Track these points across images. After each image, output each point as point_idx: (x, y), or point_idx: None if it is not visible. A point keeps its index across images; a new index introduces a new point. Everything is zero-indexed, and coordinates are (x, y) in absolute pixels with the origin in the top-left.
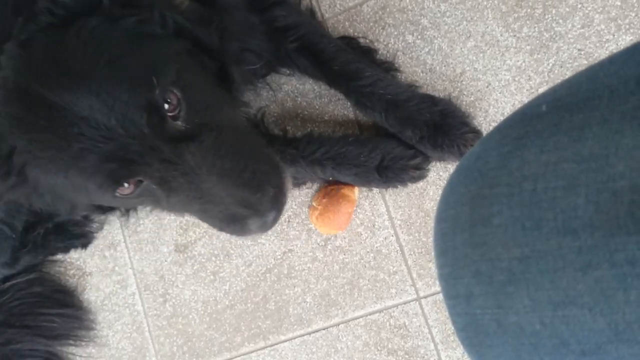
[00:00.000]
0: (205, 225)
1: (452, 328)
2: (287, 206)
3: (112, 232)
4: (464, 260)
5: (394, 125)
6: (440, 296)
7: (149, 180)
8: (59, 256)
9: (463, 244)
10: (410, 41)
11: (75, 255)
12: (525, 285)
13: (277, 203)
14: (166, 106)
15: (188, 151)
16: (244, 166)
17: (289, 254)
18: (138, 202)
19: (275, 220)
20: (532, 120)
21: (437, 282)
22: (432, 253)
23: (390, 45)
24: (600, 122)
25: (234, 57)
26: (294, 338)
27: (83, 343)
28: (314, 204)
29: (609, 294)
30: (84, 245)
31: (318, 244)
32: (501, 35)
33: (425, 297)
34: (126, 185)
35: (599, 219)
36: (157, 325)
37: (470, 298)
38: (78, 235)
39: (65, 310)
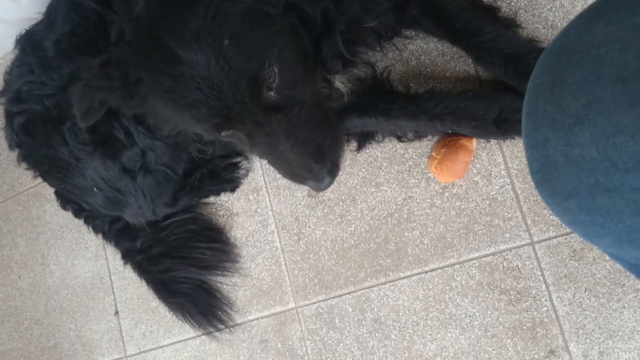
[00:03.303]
0: None
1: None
2: (404, 158)
3: (255, 178)
4: (543, 114)
5: (512, 78)
6: (555, 241)
7: (241, 132)
8: (211, 199)
9: (544, 102)
10: None
11: (224, 198)
12: (587, 124)
13: (332, 173)
14: (265, 80)
15: (275, 119)
16: (314, 139)
17: (409, 200)
18: (228, 139)
19: (328, 185)
20: (603, 4)
21: (551, 229)
22: None
23: (512, 3)
24: None
25: (353, 16)
26: (412, 275)
27: (229, 273)
28: (433, 154)
29: None
30: (232, 189)
31: (436, 192)
32: None
33: (539, 242)
34: (224, 133)
35: None
36: (292, 260)
37: (545, 142)
38: (228, 180)
39: (215, 245)
